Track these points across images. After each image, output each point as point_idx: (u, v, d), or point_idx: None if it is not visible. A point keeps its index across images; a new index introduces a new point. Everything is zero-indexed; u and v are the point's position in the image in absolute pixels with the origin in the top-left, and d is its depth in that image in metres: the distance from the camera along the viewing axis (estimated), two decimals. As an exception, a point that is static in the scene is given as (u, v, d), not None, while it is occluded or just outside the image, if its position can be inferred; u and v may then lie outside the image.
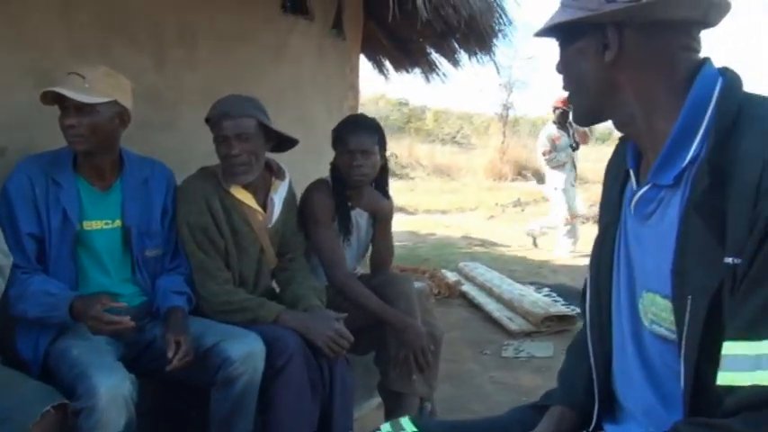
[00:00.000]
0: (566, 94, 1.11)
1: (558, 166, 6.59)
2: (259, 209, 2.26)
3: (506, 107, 14.25)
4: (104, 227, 2.03)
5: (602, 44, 1.00)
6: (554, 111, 6.63)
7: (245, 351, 1.94)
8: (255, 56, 3.08)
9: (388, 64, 5.26)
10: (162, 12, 2.64)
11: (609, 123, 1.09)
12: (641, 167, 1.08)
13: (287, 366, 1.99)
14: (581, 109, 1.09)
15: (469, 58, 4.17)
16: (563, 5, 1.05)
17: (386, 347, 2.37)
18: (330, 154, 2.51)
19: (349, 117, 2.55)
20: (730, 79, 0.98)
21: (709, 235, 0.91)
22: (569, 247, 6.63)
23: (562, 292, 4.91)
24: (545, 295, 4.80)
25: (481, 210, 10.36)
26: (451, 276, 5.32)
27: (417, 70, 5.24)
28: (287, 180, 2.37)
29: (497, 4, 3.34)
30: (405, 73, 5.41)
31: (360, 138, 2.41)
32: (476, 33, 3.50)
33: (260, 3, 3.05)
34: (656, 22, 0.97)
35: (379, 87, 11.76)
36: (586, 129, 6.58)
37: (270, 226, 2.29)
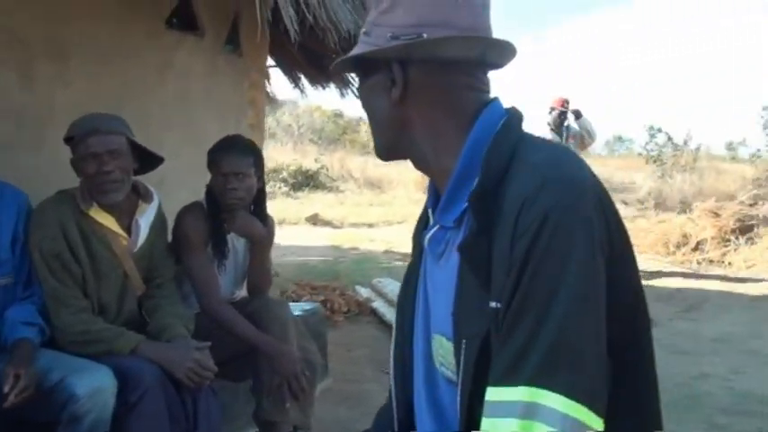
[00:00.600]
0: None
1: None
2: (122, 233, 2.16)
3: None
4: None
5: (390, 80, 0.99)
6: (550, 111, 5.99)
7: (93, 387, 1.84)
8: (137, 72, 2.97)
9: (303, 78, 5.24)
10: (28, 25, 2.51)
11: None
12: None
13: (141, 401, 1.90)
14: (378, 144, 1.08)
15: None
16: (360, 39, 1.04)
17: (260, 375, 2.31)
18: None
19: (224, 139, 2.48)
20: (509, 119, 0.98)
21: (477, 279, 0.90)
22: None
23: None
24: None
25: (408, 223, 10.40)
26: (364, 293, 5.29)
27: (332, 85, 5.23)
28: (155, 203, 2.29)
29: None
30: (320, 88, 5.39)
31: (234, 160, 2.35)
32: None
33: (141, 18, 2.95)
34: (436, 61, 0.96)
35: (315, 98, 11.76)
36: (585, 133, 5.99)
37: (135, 250, 2.20)
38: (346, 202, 12.33)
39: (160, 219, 2.31)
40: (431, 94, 0.98)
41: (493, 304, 0.87)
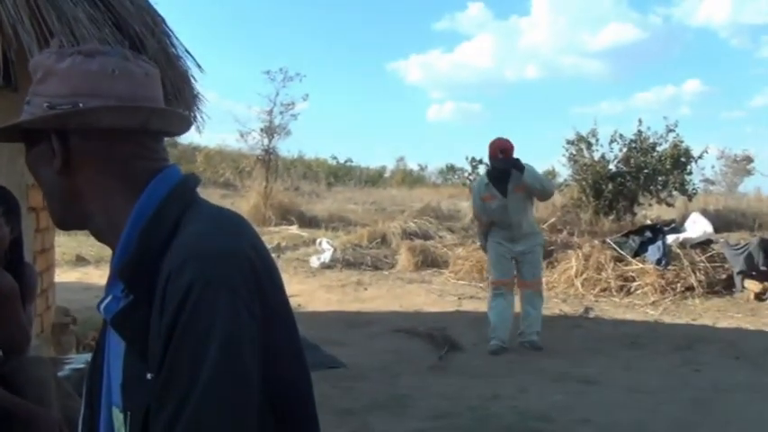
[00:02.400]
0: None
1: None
2: None
3: (268, 152, 14.31)
4: None
5: (51, 150, 0.95)
6: (492, 159, 5.28)
7: None
8: None
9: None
10: None
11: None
12: None
13: None
14: (53, 214, 1.04)
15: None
16: (23, 110, 1.00)
17: (14, 442, 2.12)
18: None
19: None
20: (177, 188, 0.97)
21: (137, 351, 0.89)
22: None
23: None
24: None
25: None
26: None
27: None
28: None
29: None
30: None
31: None
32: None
33: None
34: (95, 130, 0.95)
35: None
36: (536, 185, 5.17)
37: None
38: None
39: None
40: (94, 164, 0.96)
41: (149, 376, 0.86)
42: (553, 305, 6.68)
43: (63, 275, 7.51)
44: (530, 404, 3.83)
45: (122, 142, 0.97)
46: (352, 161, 27.73)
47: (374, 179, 27.36)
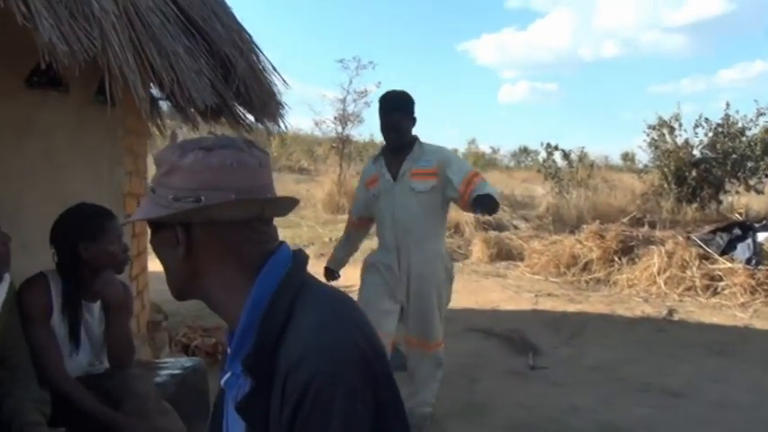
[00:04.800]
0: None
1: None
2: None
3: (341, 139, 14.47)
4: None
5: (175, 238, 1.04)
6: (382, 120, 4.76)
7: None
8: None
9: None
10: None
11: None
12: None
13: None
14: (172, 288, 1.12)
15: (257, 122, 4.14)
16: (147, 196, 1.08)
17: (115, 456, 2.27)
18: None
19: (88, 208, 2.44)
20: (289, 274, 1.04)
21: None
22: None
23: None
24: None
25: (315, 246, 10.38)
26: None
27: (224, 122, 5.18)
28: (6, 282, 2.24)
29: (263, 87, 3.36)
30: (213, 124, 5.32)
31: (117, 224, 2.39)
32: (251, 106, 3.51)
33: (-5, 79, 2.84)
34: (216, 222, 1.02)
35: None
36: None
37: None
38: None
39: (11, 297, 2.25)
40: (214, 250, 1.04)
41: None
42: (634, 305, 6.51)
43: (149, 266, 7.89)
44: (612, 418, 3.77)
45: (238, 229, 1.04)
46: (423, 144, 27.59)
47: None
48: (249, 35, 3.43)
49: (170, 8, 2.68)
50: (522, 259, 8.58)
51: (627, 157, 25.35)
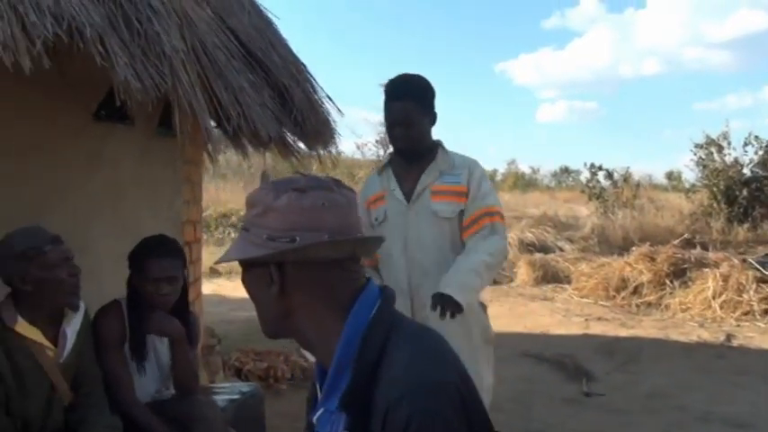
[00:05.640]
0: None
1: None
2: (48, 344, 2.17)
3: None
4: None
5: (269, 277, 1.06)
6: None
7: None
8: (62, 168, 2.96)
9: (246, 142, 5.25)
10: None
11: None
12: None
13: None
14: (264, 326, 1.15)
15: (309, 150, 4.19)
16: (240, 234, 1.11)
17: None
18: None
19: (148, 240, 2.50)
20: (379, 311, 1.06)
21: None
22: None
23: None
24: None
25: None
26: (310, 356, 5.26)
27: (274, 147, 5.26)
28: (81, 310, 2.30)
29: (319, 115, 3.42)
30: (262, 150, 5.40)
31: (165, 265, 2.39)
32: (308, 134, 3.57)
33: (66, 113, 2.95)
34: (309, 261, 1.05)
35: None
36: None
37: (62, 361, 2.20)
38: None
39: (86, 326, 2.33)
40: (307, 289, 1.06)
41: None
42: (690, 330, 6.34)
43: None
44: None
45: (330, 268, 1.06)
46: (463, 164, 27.57)
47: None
48: (303, 65, 3.51)
49: (233, 44, 2.77)
50: (568, 282, 8.46)
51: (672, 176, 24.88)
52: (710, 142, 12.44)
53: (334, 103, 3.73)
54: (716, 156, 12.45)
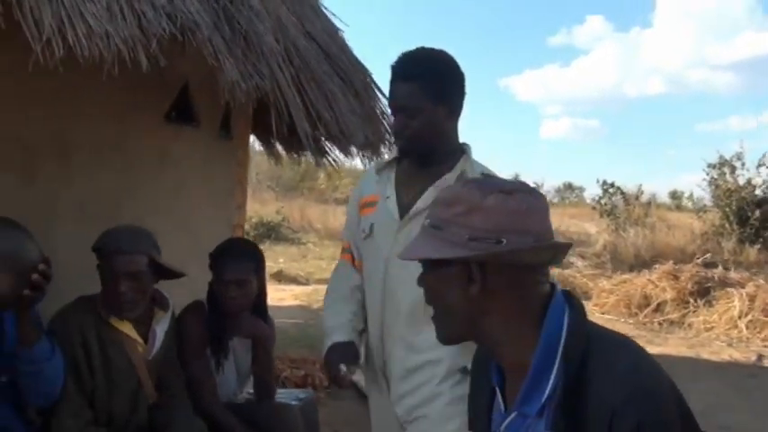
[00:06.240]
0: None
1: None
2: (139, 340, 2.19)
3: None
4: None
5: (468, 277, 1.05)
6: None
7: None
8: (136, 167, 2.96)
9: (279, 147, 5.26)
10: (33, 126, 2.49)
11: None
12: (506, 386, 1.13)
13: None
14: (447, 330, 1.12)
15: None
16: (427, 232, 1.09)
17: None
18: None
19: (226, 242, 2.49)
20: (574, 313, 1.06)
21: None
22: None
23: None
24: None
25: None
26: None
27: (309, 154, 5.26)
28: (169, 311, 2.32)
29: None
30: (295, 156, 5.41)
31: (236, 267, 2.37)
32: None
33: (142, 114, 2.95)
34: (513, 265, 1.04)
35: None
36: None
37: (150, 358, 2.22)
38: (309, 256, 12.24)
39: (174, 326, 2.33)
40: (504, 291, 1.05)
41: None
42: (718, 349, 6.34)
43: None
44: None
45: (527, 272, 1.06)
46: (467, 179, 27.67)
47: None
48: (370, 73, 3.51)
49: (316, 48, 2.77)
50: (587, 298, 8.45)
51: (675, 195, 25.00)
52: (723, 162, 12.50)
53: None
54: (728, 176, 12.51)
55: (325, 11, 3.54)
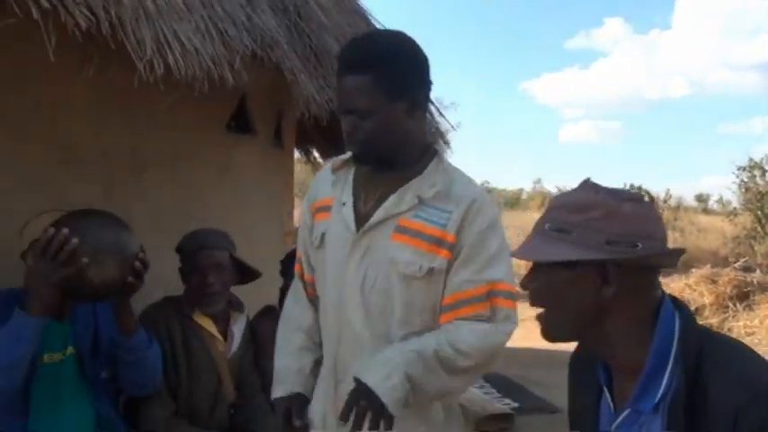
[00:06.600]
0: None
1: None
2: (220, 337, 2.30)
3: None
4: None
5: (601, 279, 1.10)
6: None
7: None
8: (200, 176, 3.06)
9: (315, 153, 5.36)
10: (114, 141, 2.59)
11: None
12: (613, 385, 1.18)
13: None
14: (560, 329, 1.17)
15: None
16: (549, 236, 1.13)
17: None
18: (271, 263, 2.56)
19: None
20: (685, 316, 1.12)
21: None
22: None
23: (498, 384, 4.80)
24: (482, 391, 4.56)
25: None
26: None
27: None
28: (245, 314, 2.41)
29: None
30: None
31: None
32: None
33: (208, 125, 3.05)
34: (642, 267, 1.10)
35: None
36: None
37: (229, 356, 2.31)
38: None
39: (249, 329, 2.42)
40: (631, 293, 1.11)
41: None
42: (764, 353, 6.27)
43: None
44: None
45: (650, 276, 1.12)
46: (488, 183, 27.60)
47: (512, 202, 27.06)
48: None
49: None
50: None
51: (701, 198, 24.72)
52: (753, 165, 12.35)
53: (446, 118, 3.79)
54: (758, 179, 12.36)
55: (374, 21, 3.62)
